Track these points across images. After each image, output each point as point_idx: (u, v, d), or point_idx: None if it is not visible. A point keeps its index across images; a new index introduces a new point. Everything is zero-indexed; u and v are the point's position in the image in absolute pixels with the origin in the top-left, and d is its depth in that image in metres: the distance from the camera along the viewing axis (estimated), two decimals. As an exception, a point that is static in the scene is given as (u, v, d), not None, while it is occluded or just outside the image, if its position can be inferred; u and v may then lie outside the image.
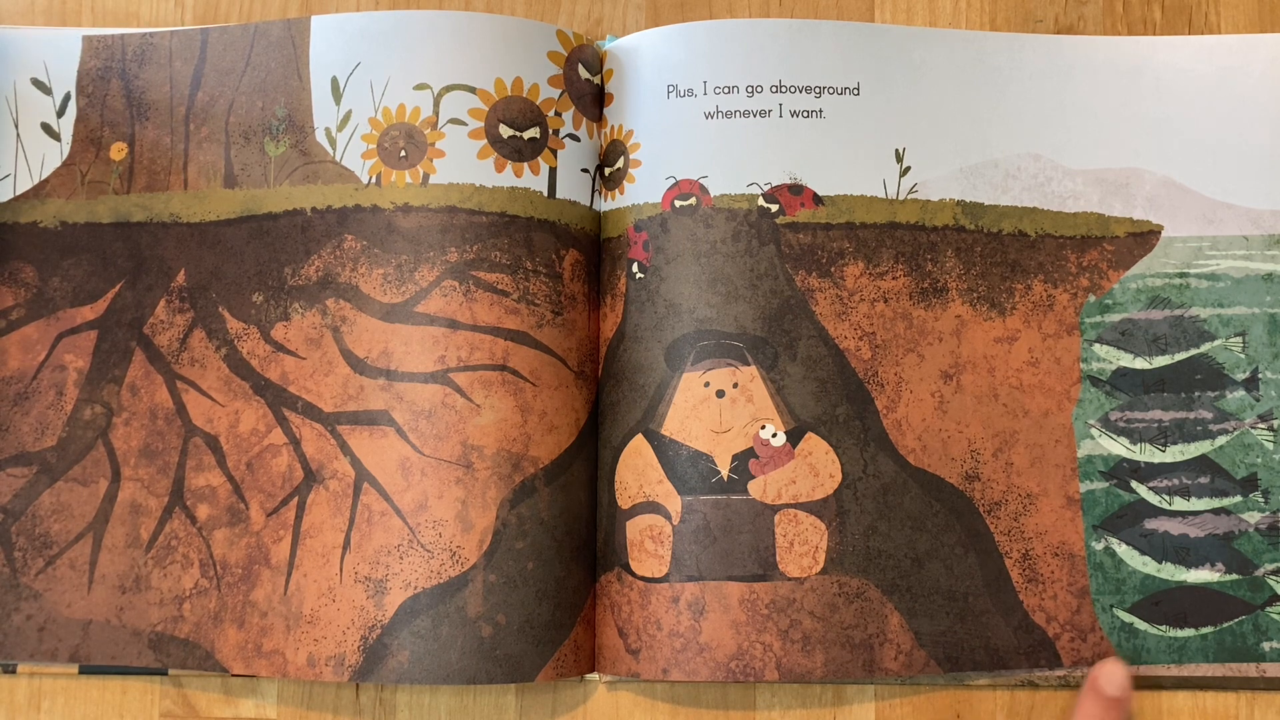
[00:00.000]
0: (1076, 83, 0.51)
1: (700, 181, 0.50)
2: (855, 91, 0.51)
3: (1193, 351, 0.49)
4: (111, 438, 0.50)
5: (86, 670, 0.49)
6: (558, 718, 0.49)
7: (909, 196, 0.50)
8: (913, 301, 0.50)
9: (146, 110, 0.52)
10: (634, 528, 0.48)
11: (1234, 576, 0.48)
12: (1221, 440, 0.49)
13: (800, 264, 0.49)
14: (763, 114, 0.50)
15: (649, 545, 0.47)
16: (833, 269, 0.49)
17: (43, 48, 0.53)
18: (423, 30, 0.50)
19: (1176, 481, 0.48)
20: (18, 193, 0.52)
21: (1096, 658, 0.47)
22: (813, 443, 0.48)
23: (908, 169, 0.50)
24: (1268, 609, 0.48)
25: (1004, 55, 0.51)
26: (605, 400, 0.49)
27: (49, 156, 0.52)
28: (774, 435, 0.48)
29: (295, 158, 0.51)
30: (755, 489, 0.48)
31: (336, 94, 0.51)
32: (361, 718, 0.49)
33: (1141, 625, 0.48)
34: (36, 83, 0.52)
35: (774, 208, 0.50)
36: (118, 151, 0.52)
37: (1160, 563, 0.48)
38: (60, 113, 0.52)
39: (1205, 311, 0.49)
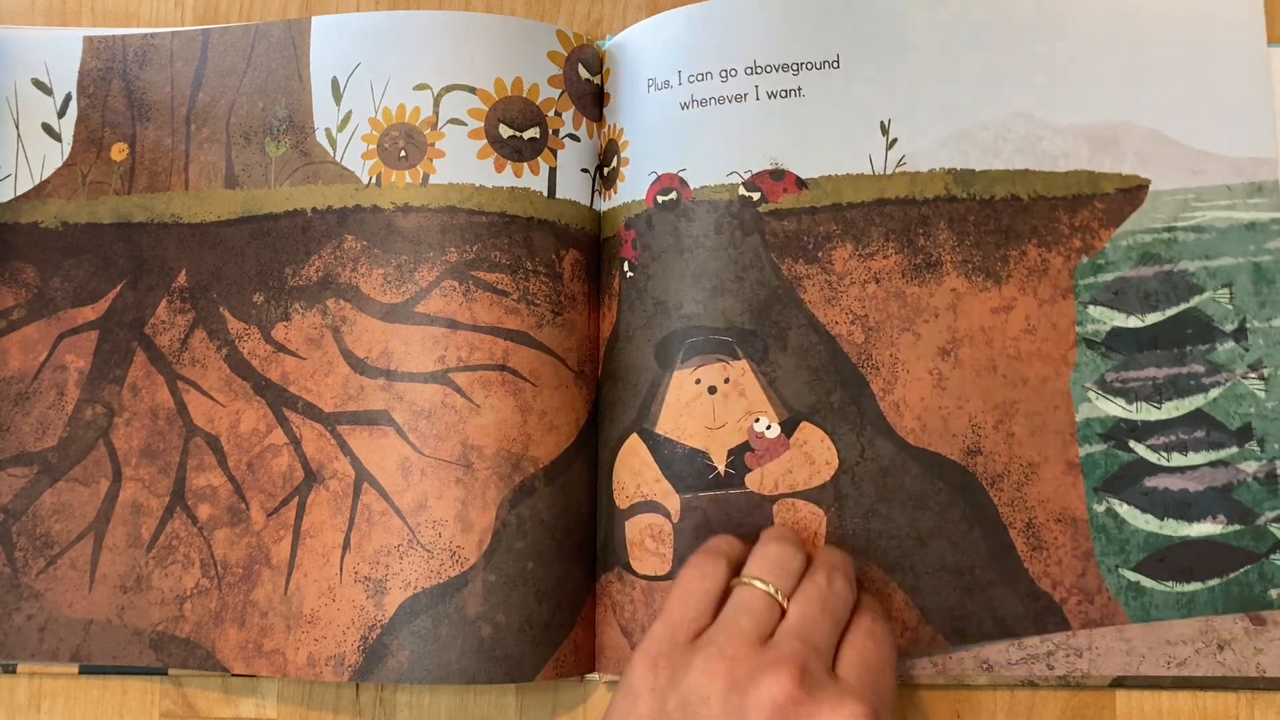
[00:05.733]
0: (1062, 34, 0.50)
1: (679, 175, 0.49)
2: (835, 64, 0.49)
3: (1183, 306, 0.49)
4: (112, 438, 0.50)
5: (87, 670, 0.49)
6: (558, 718, 0.49)
7: (897, 170, 0.49)
8: (906, 279, 0.49)
9: (147, 111, 0.52)
10: (634, 527, 0.48)
11: (1236, 527, 0.47)
12: (1214, 393, 0.48)
13: (786, 252, 0.49)
14: (739, 98, 0.49)
15: (649, 544, 0.47)
16: (820, 254, 0.49)
17: (43, 48, 0.53)
18: (423, 30, 0.50)
19: (1173, 438, 0.48)
20: (18, 193, 0.52)
21: (1104, 619, 0.47)
22: (808, 431, 0.48)
23: (894, 141, 0.49)
24: (1272, 556, 0.47)
25: (987, 10, 0.50)
26: (604, 400, 0.49)
27: (50, 157, 0.52)
28: (768, 427, 0.48)
29: (296, 158, 0.51)
30: (752, 481, 0.48)
31: (337, 94, 0.51)
32: (361, 718, 0.49)
33: (1148, 583, 0.47)
34: (37, 83, 0.53)
35: (755, 196, 0.49)
36: (119, 152, 0.52)
37: (1162, 519, 0.47)
38: (61, 113, 0.52)
39: (1193, 265, 0.49)
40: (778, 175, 0.49)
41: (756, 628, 0.40)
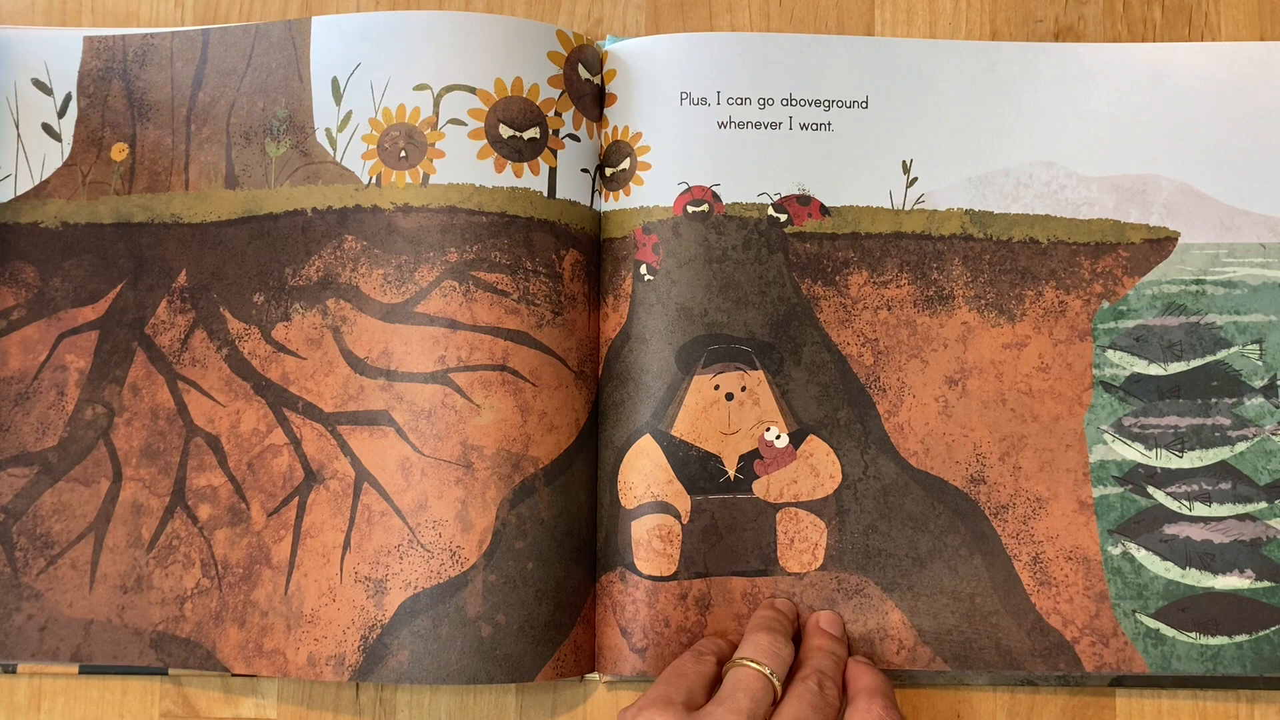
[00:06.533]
0: (1092, 90, 0.51)
1: (713, 189, 0.50)
2: (864, 105, 0.51)
3: (1209, 358, 0.49)
4: (113, 438, 0.50)
5: (87, 670, 0.49)
6: (558, 718, 0.49)
7: (915, 207, 0.50)
8: (917, 309, 0.50)
9: (148, 111, 0.52)
10: (640, 527, 0.48)
11: (1266, 584, 0.47)
12: (1241, 446, 0.48)
13: (806, 272, 0.50)
14: (773, 126, 0.51)
15: (657, 544, 0.48)
16: (837, 277, 0.50)
17: (43, 48, 0.53)
18: (423, 30, 0.50)
19: (1196, 487, 0.48)
20: (18, 193, 0.52)
21: (1121, 665, 0.47)
22: (814, 444, 0.49)
23: (915, 180, 0.51)
24: None
25: (1016, 65, 0.52)
26: (607, 400, 0.50)
27: (50, 157, 0.52)
28: (778, 437, 0.49)
29: (296, 158, 0.51)
30: (759, 488, 0.48)
31: (337, 94, 0.51)
32: (361, 718, 0.49)
33: (1169, 631, 0.47)
34: (37, 83, 0.52)
35: (783, 217, 0.50)
36: (119, 152, 0.52)
37: (1184, 568, 0.48)
38: (61, 113, 0.52)
39: (1221, 319, 0.49)
40: (804, 200, 0.50)
41: (754, 706, 0.41)
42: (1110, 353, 0.49)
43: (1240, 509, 0.48)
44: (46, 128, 0.52)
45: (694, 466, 0.48)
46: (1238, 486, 0.48)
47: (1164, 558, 0.48)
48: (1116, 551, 0.48)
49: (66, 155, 0.52)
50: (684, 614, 0.47)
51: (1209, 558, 0.48)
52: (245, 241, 0.51)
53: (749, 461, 0.49)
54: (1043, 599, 0.48)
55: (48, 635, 0.48)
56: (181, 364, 0.50)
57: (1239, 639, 0.47)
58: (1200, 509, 0.48)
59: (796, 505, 0.48)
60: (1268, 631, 0.47)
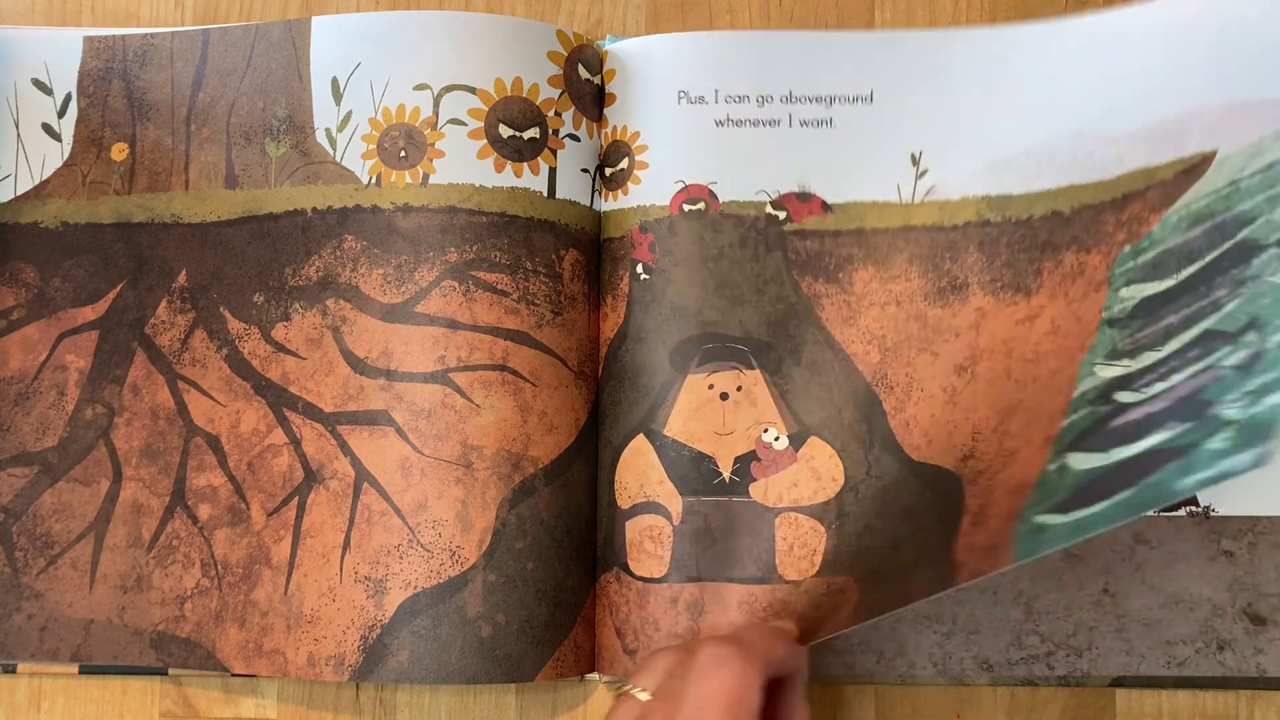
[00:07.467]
0: (1126, 49, 0.48)
1: (709, 187, 0.50)
2: (868, 100, 0.50)
3: (1227, 245, 0.44)
4: (113, 438, 0.50)
5: (87, 670, 0.49)
6: (558, 718, 0.49)
7: (926, 199, 0.50)
8: (928, 302, 0.49)
9: (148, 111, 0.52)
10: (634, 528, 0.48)
11: (1186, 426, 0.40)
12: (1230, 305, 0.43)
13: (807, 270, 0.50)
14: (773, 123, 0.50)
15: (648, 546, 0.48)
16: (840, 275, 0.50)
17: (43, 48, 0.53)
18: (422, 30, 0.50)
19: (1161, 370, 0.43)
20: (18, 193, 0.52)
21: (990, 566, 0.41)
22: (816, 446, 0.48)
23: (925, 171, 0.50)
24: (1205, 443, 0.39)
25: (1041, 34, 0.49)
26: (606, 400, 0.50)
27: (50, 157, 0.52)
28: (776, 439, 0.48)
29: (296, 158, 0.51)
30: (756, 491, 0.48)
31: (337, 94, 0.51)
32: (361, 718, 0.49)
33: (1053, 520, 0.41)
34: (37, 83, 0.53)
35: (781, 215, 0.50)
36: (119, 152, 0.52)
37: (1106, 451, 0.42)
38: (61, 113, 0.52)
39: (1250, 203, 0.44)
40: (804, 197, 0.50)
41: None
42: (1124, 290, 0.46)
43: (1197, 367, 0.42)
44: (46, 128, 0.52)
45: (686, 467, 0.48)
46: (1206, 346, 0.42)
47: (1091, 450, 0.42)
48: (1053, 468, 0.43)
49: (66, 155, 0.52)
50: (674, 618, 0.47)
51: (1138, 427, 0.42)
52: (245, 241, 0.51)
53: (745, 464, 0.48)
54: (965, 538, 0.44)
55: (48, 635, 0.48)
56: (181, 364, 0.50)
57: (1120, 496, 0.40)
58: (1158, 387, 0.42)
59: (796, 510, 0.48)
60: (1152, 477, 0.39)
